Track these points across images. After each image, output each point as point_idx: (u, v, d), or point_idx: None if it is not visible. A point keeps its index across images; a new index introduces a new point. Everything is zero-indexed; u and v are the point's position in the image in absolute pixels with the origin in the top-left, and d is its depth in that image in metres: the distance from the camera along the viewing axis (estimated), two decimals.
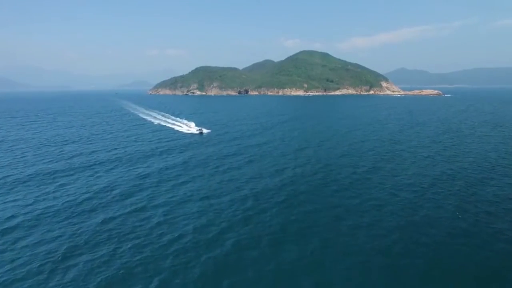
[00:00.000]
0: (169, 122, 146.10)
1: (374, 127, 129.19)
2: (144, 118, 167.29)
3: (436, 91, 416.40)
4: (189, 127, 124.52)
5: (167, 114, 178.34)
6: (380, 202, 47.78)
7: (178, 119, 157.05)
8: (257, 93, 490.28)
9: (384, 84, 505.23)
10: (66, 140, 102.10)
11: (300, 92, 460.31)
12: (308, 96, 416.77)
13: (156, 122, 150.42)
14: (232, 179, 60.10)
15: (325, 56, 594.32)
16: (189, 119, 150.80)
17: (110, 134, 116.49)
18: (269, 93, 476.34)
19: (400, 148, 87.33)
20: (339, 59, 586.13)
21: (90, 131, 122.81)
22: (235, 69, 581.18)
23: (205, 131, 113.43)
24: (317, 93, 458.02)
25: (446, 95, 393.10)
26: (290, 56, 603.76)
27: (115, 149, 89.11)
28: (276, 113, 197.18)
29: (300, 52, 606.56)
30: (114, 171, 66.38)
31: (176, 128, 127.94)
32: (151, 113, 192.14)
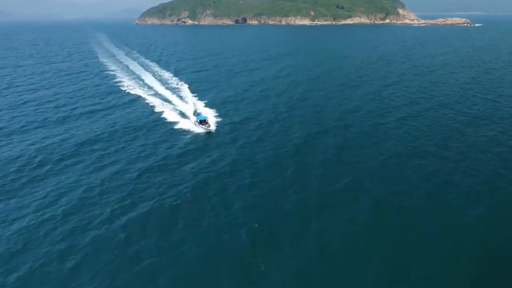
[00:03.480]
0: (143, 85, 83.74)
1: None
2: (106, 70, 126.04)
3: (464, 20, 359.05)
4: (185, 110, 61.27)
5: (147, 61, 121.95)
6: None
7: (162, 74, 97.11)
8: (256, 22, 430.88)
9: (401, 11, 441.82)
10: None
11: (306, 21, 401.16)
12: (315, 26, 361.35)
13: (121, 81, 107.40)
14: None
15: None
16: (179, 75, 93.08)
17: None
18: (271, 22, 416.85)
19: None
20: None
21: None
22: None
23: (213, 124, 53.80)
24: (325, 22, 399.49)
25: (476, 25, 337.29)
26: None
27: None
28: (277, 52, 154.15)
29: None
30: None
31: (155, 105, 64.73)
32: (120, 56, 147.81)
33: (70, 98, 69.77)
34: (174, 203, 31.41)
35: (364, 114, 57.93)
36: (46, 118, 56.81)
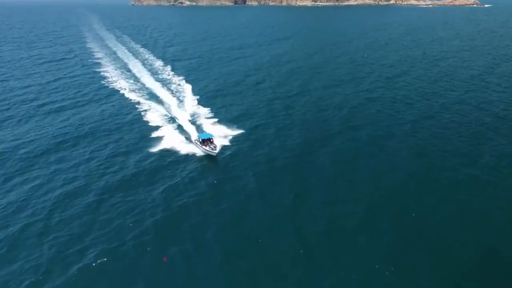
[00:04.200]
0: (129, 76, 77.04)
1: None
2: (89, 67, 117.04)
3: (473, 0, 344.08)
4: (172, 110, 52.42)
5: (137, 47, 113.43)
6: None
7: (152, 62, 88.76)
8: (256, 3, 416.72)
9: None
10: None
11: (308, 2, 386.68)
12: (317, 7, 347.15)
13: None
14: None
15: None
16: (170, 64, 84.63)
17: None
18: (271, 3, 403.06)
19: None
20: None
21: None
22: None
23: (222, 142, 41.85)
24: (327, 3, 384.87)
25: (485, 6, 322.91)
26: None
27: None
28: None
29: None
30: None
31: (138, 102, 56.11)
32: (110, 41, 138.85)
33: (41, 92, 61.72)
34: (137, 253, 24.12)
35: (375, 114, 50.11)
36: (8, 117, 49.19)
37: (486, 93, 59.33)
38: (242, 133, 43.89)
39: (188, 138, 41.95)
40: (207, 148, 37.51)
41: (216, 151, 37.32)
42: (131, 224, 26.61)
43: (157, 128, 45.48)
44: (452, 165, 35.46)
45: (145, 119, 49.02)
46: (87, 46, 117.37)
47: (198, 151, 38.96)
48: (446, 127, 45.04)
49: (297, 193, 30.74)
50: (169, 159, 36.99)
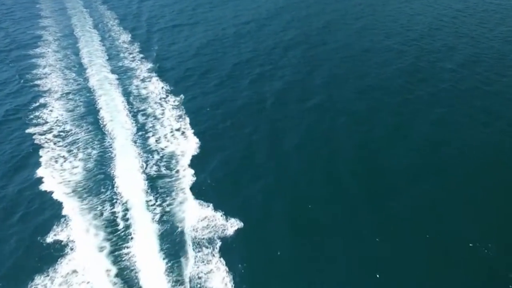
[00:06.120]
0: (73, 62, 62.71)
1: None
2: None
3: None
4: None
5: (102, 9, 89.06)
6: None
7: (115, 34, 68.24)
8: None
9: None
10: None
11: None
12: None
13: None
14: None
15: None
16: (139, 40, 64.84)
17: None
18: None
19: None
20: None
21: None
22: None
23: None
24: None
25: None
26: None
27: None
28: None
29: None
30: None
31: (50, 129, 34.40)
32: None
33: None
34: None
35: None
36: None
37: None
38: (241, 228, 22.94)
39: None
40: None
41: None
42: None
43: (64, 216, 23.66)
44: None
45: (49, 179, 27.15)
46: (38, 5, 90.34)
47: None
48: None
49: None
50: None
